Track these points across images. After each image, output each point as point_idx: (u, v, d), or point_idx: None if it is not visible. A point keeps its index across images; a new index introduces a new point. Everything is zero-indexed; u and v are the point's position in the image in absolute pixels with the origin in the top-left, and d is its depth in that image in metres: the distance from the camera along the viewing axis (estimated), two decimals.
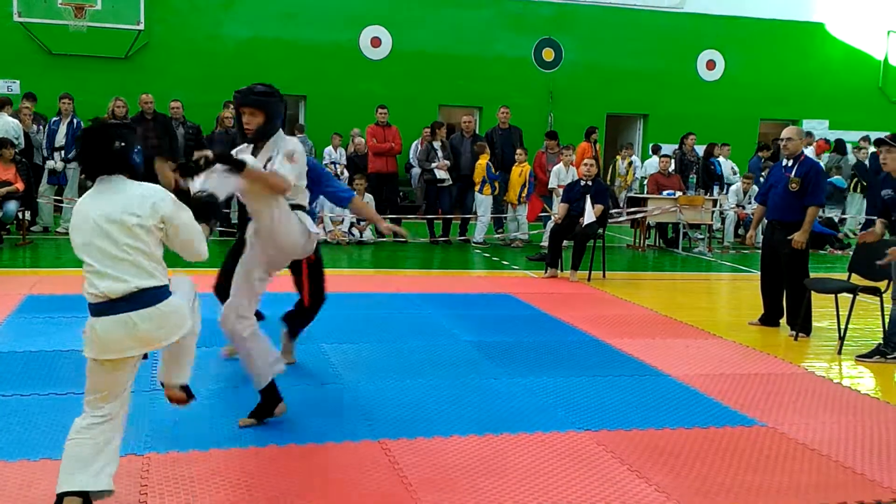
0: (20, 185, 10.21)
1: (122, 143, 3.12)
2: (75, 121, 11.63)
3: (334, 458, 3.87)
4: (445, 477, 3.68)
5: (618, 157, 14.87)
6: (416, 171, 14.68)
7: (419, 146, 14.54)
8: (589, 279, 9.32)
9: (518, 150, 12.24)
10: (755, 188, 13.26)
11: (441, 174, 12.34)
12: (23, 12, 13.29)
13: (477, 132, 13.30)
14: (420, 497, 3.47)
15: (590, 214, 9.05)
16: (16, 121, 11.12)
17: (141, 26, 14.01)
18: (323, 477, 3.65)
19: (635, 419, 4.57)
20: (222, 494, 3.42)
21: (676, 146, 14.18)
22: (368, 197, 12.09)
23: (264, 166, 3.84)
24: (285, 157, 3.87)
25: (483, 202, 12.11)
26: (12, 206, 10.07)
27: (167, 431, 4.07)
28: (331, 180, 5.38)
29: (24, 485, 3.45)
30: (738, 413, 4.76)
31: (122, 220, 3.06)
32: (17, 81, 14.22)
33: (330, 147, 14.89)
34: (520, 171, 12.11)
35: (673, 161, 13.52)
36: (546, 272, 9.54)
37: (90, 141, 3.12)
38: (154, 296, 3.12)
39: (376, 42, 16.22)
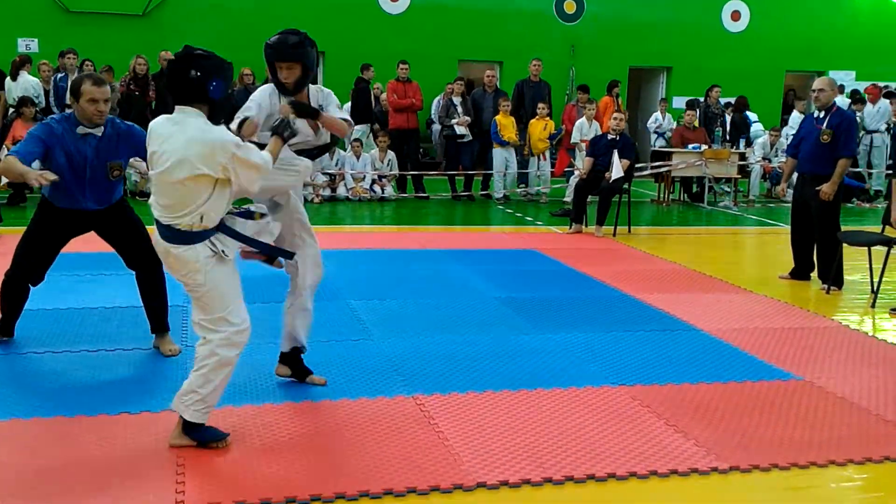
0: None
1: (199, 73, 3.17)
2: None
3: (368, 413, 3.85)
4: (481, 431, 3.66)
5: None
6: (437, 127, 14.54)
7: (440, 102, 14.38)
8: (614, 234, 9.23)
9: (541, 105, 12.07)
10: (782, 141, 13.06)
11: (461, 130, 12.21)
12: None
13: (498, 87, 13.11)
14: (457, 451, 3.44)
15: (617, 169, 8.92)
16: (35, 79, 11.08)
17: None
18: (358, 431, 3.64)
19: (669, 374, 4.52)
20: (257, 445, 3.42)
21: (701, 98, 13.94)
22: (390, 154, 12.00)
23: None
24: (337, 105, 4.00)
25: (494, 157, 11.97)
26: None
27: None
28: None
29: (61, 442, 3.45)
30: (774, 367, 4.70)
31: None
32: (36, 40, 14.12)
33: (349, 104, 14.74)
34: (543, 125, 11.95)
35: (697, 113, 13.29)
36: (570, 227, 9.46)
37: (172, 70, 3.23)
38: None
39: None
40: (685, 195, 12.96)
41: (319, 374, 4.23)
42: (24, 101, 10.26)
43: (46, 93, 11.40)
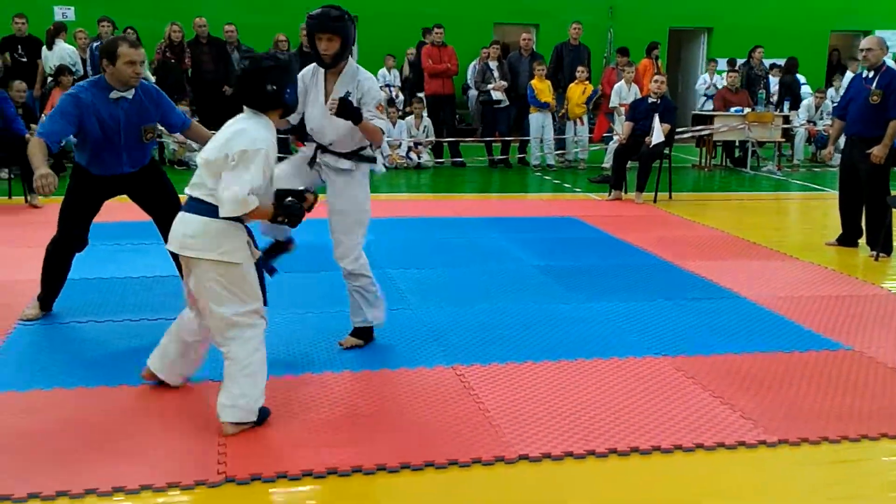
0: None
1: (275, 87, 3.27)
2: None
3: (409, 383, 3.82)
4: (522, 403, 3.61)
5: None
6: (474, 92, 14.38)
7: (476, 67, 14.21)
8: (655, 200, 9.07)
9: (580, 68, 11.85)
10: (828, 103, 12.72)
11: (497, 95, 12.05)
12: None
13: (535, 50, 12.90)
14: (498, 423, 3.40)
15: (658, 133, 8.74)
16: (72, 48, 11.10)
17: None
18: (398, 401, 3.61)
19: (714, 344, 4.44)
20: (298, 416, 3.40)
21: (743, 60, 13.60)
22: (426, 120, 11.89)
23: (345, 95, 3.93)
24: (378, 108, 3.99)
25: (530, 121, 11.81)
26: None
27: None
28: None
29: (104, 413, 3.47)
30: (822, 336, 4.59)
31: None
32: (72, 8, 14.14)
33: (384, 69, 14.63)
34: (582, 90, 11.75)
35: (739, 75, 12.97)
36: (610, 194, 9.31)
37: (247, 82, 3.28)
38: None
39: None
40: (727, 160, 12.71)
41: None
42: (62, 70, 10.29)
43: (84, 61, 11.44)
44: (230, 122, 3.34)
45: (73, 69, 10.73)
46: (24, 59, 11.19)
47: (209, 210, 3.20)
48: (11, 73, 10.77)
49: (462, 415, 3.48)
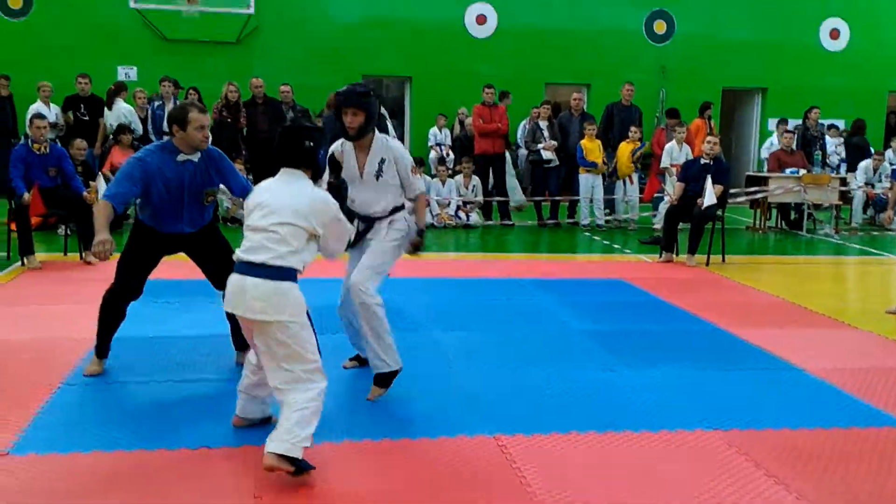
0: None
1: (312, 144, 3.53)
2: (178, 104, 11.84)
3: (448, 454, 3.72)
4: (566, 479, 3.48)
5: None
6: (523, 152, 14.42)
7: (526, 126, 14.27)
8: (707, 263, 8.90)
9: (632, 129, 11.82)
10: (886, 166, 12.45)
11: (547, 155, 12.05)
12: None
13: (585, 110, 12.91)
14: (541, 500, 3.28)
15: (710, 195, 8.59)
16: (129, 107, 11.43)
17: (251, 10, 14.16)
18: (436, 473, 3.52)
19: (768, 418, 4.25)
20: (336, 484, 3.33)
21: (799, 121, 13.42)
22: (475, 179, 11.92)
23: (379, 168, 4.38)
24: (412, 172, 4.47)
25: (580, 182, 11.76)
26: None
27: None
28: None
29: (141, 477, 3.44)
30: (883, 412, 4.37)
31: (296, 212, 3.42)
32: (135, 68, 14.63)
33: (435, 128, 14.78)
34: (632, 149, 11.69)
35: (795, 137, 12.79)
36: (661, 256, 9.17)
37: (287, 139, 3.53)
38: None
39: (481, 19, 15.96)
40: (783, 222, 12.46)
41: (400, 407, 4.24)
42: (122, 129, 10.60)
43: (143, 120, 11.76)
44: (276, 187, 3.51)
45: (132, 128, 11.02)
46: (87, 118, 11.56)
47: (277, 274, 3.34)
48: (74, 131, 11.14)
49: (503, 490, 3.37)
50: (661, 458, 3.73)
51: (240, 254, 3.43)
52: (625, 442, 3.90)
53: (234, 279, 3.42)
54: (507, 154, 12.63)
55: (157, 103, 11.83)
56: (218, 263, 4.64)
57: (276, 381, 3.40)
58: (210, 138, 4.58)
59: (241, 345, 4.88)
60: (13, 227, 8.06)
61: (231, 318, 4.81)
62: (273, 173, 3.58)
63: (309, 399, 3.35)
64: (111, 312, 4.68)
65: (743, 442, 3.92)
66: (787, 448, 3.86)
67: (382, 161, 4.36)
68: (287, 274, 3.37)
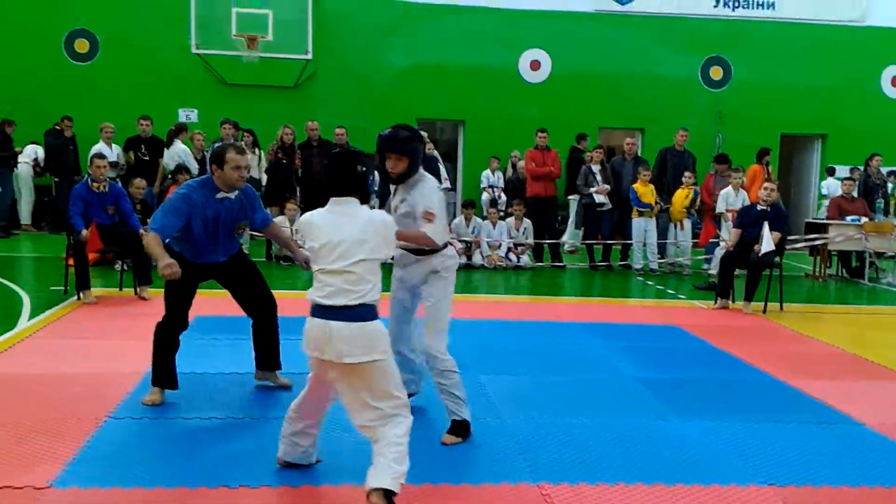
0: None
1: (363, 169, 3.54)
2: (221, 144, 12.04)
3: (490, 500, 3.63)
4: None
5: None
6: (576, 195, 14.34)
7: (579, 170, 14.20)
8: (764, 311, 8.66)
9: (686, 174, 11.68)
10: None
11: (600, 198, 11.95)
12: (200, 44, 14.02)
13: (639, 154, 12.81)
14: None
15: (768, 242, 8.39)
16: (185, 147, 11.68)
17: (309, 56, 14.45)
18: None
19: (826, 474, 4.07)
20: None
21: (861, 167, 13.11)
22: (526, 222, 11.86)
23: (400, 203, 4.28)
24: (424, 217, 4.14)
25: (633, 226, 11.62)
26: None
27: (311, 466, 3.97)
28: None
29: None
30: None
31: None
32: (196, 110, 15.02)
33: (487, 171, 14.82)
34: (686, 194, 11.53)
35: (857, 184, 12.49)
36: (716, 303, 8.95)
37: (339, 164, 3.52)
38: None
39: (535, 65, 16.04)
40: (843, 270, 12.12)
41: (444, 451, 4.16)
42: (179, 169, 10.83)
43: (202, 160, 12.00)
44: (333, 221, 3.48)
45: (187, 168, 11.23)
46: (147, 158, 11.85)
47: (361, 314, 3.39)
48: (134, 170, 11.44)
49: None
50: None
51: (318, 298, 3.41)
52: (674, 496, 3.75)
53: (318, 324, 3.40)
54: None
55: (217, 144, 12.04)
56: (250, 286, 5.08)
57: (363, 419, 3.41)
58: (245, 178, 4.73)
59: (264, 364, 5.17)
60: (71, 262, 8.23)
61: (257, 334, 5.10)
62: (323, 203, 3.58)
63: (402, 434, 3.39)
64: (166, 343, 4.84)
65: (799, 499, 3.76)
66: None
67: (402, 200, 4.29)
68: (370, 312, 3.42)
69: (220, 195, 4.71)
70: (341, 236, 3.42)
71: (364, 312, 3.39)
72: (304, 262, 4.64)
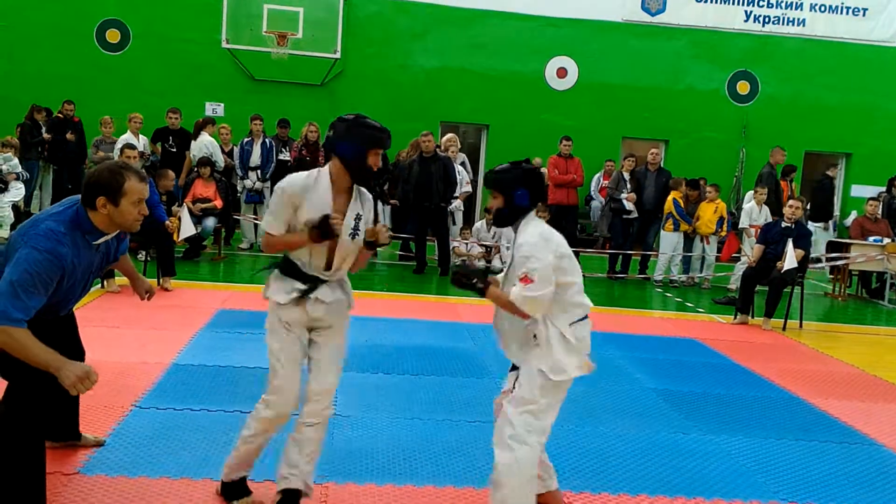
0: (219, 203, 10.75)
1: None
2: (267, 141, 12.12)
3: None
4: None
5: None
6: (596, 203, 14.34)
7: (601, 178, 14.23)
8: (784, 328, 8.63)
9: (708, 189, 11.65)
10: None
11: (628, 206, 11.95)
12: (231, 39, 14.13)
13: (662, 166, 12.80)
14: None
15: (791, 259, 8.37)
16: (212, 139, 11.72)
17: (337, 55, 14.53)
18: None
19: (847, 495, 4.08)
20: None
21: (884, 188, 13.05)
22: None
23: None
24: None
25: (665, 239, 11.60)
26: (210, 222, 10.61)
27: (341, 462, 4.01)
28: None
29: None
30: None
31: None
32: (222, 105, 15.12)
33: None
34: (714, 208, 11.51)
35: (881, 205, 12.42)
36: (735, 318, 8.93)
37: (535, 179, 3.56)
38: None
39: (562, 73, 16.04)
40: (863, 290, 12.05)
41: (461, 457, 4.12)
42: (203, 162, 10.90)
43: (229, 153, 12.06)
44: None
45: (212, 159, 11.27)
46: (174, 150, 11.94)
47: None
48: (162, 162, 11.53)
49: None
50: None
51: (589, 303, 3.78)
52: None
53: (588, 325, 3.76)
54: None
55: (246, 139, 12.14)
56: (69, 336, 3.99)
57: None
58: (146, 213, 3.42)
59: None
60: None
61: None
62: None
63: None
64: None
65: None
66: None
67: (358, 216, 3.51)
68: None
69: (99, 240, 3.34)
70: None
71: None
72: (147, 293, 3.97)
